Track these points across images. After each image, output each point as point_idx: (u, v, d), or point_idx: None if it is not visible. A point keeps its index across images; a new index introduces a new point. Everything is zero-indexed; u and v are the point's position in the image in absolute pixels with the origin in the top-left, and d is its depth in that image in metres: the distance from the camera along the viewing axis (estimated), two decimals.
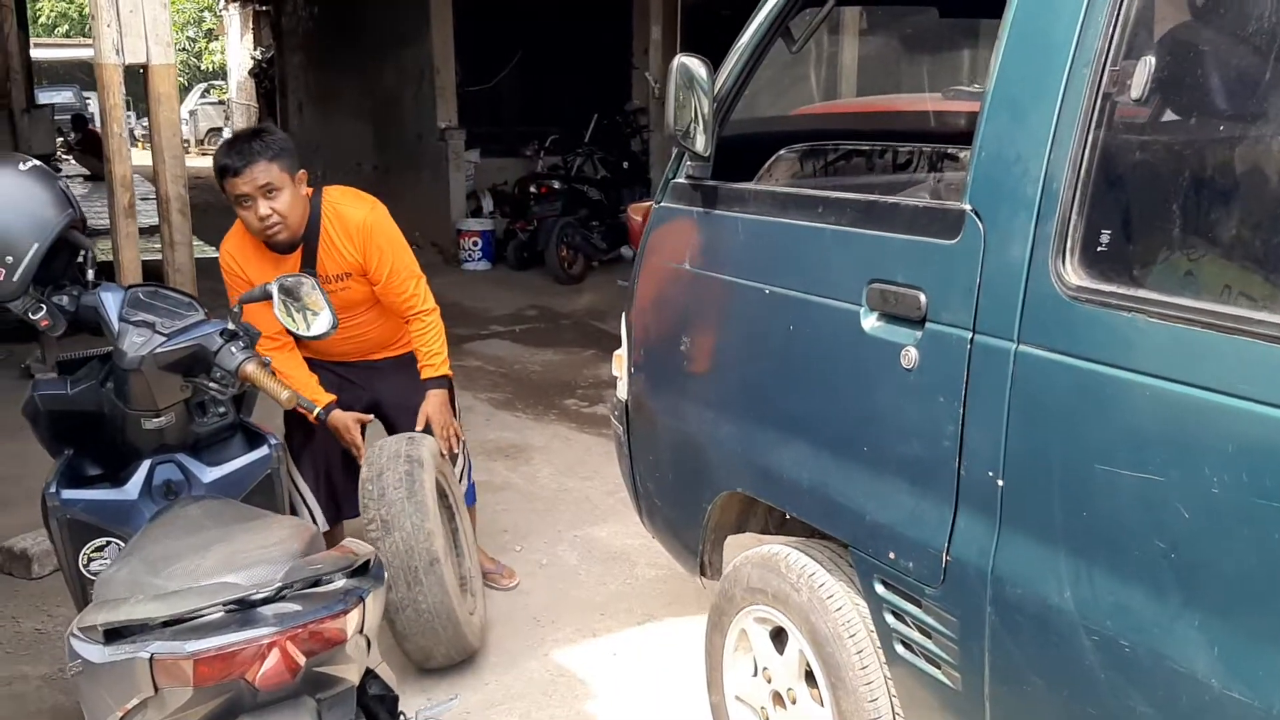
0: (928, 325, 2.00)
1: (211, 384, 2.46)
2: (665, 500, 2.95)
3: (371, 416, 3.51)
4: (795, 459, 2.37)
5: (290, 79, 19.03)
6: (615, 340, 8.13)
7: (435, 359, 3.43)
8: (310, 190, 3.25)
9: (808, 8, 2.61)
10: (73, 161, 19.68)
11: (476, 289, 9.66)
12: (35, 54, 18.29)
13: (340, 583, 1.73)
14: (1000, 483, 1.87)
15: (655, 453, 2.95)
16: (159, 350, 2.41)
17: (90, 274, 2.51)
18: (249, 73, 21.23)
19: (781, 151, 2.71)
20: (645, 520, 3.14)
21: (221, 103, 26.55)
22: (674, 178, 2.82)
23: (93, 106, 23.94)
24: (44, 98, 17.28)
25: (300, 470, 3.55)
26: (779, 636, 2.57)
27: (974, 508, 1.94)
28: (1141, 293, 1.65)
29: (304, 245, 3.23)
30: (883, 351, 2.09)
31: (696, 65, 2.54)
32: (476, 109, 12.07)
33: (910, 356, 2.03)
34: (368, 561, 1.81)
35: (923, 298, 2.00)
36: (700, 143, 2.59)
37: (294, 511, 3.56)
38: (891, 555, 2.12)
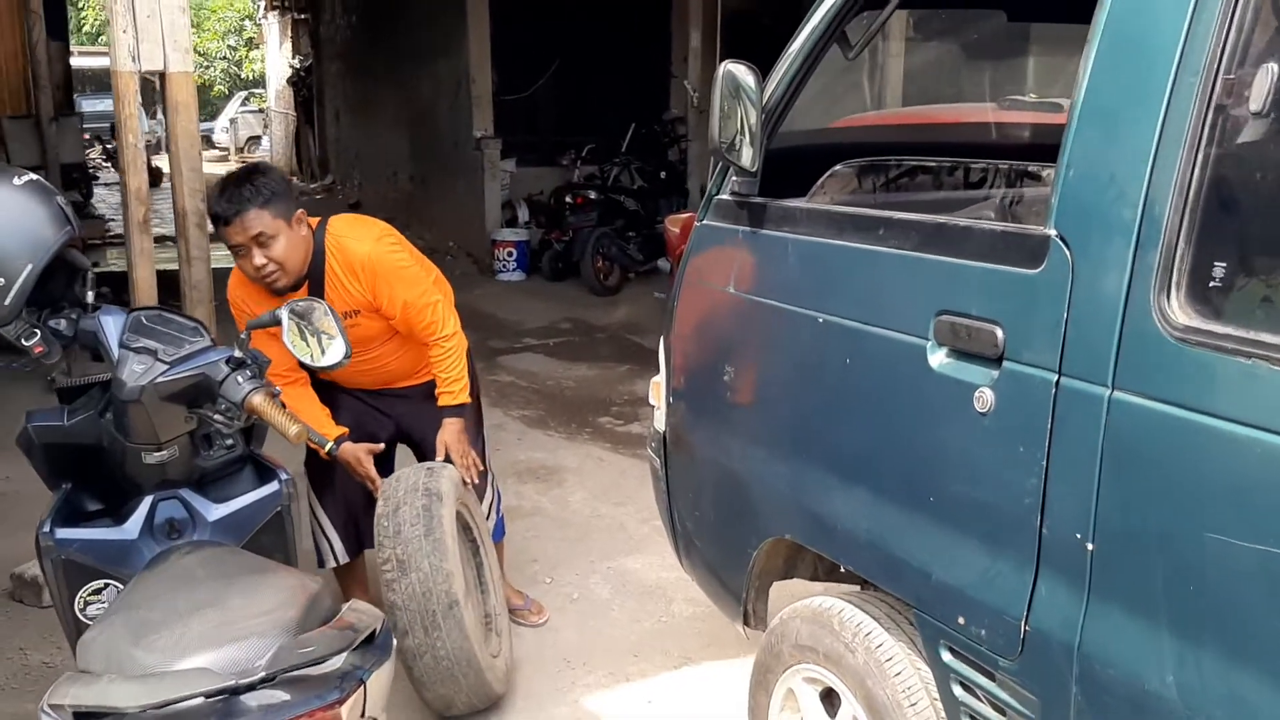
0: (1005, 364, 1.78)
1: (216, 416, 2.28)
2: (706, 541, 2.74)
3: (382, 446, 3.32)
4: (851, 506, 2.16)
5: (328, 87, 19.02)
6: (651, 355, 7.92)
7: (453, 386, 3.24)
8: (315, 222, 3.07)
9: (866, 10, 2.40)
10: (111, 169, 19.73)
11: (510, 300, 9.49)
12: (78, 62, 18.36)
13: (337, 663, 1.54)
14: (1090, 546, 1.64)
15: (695, 490, 2.74)
16: (160, 380, 2.23)
17: (90, 296, 2.33)
18: (287, 81, 21.23)
19: (837, 167, 2.50)
20: (683, 560, 2.93)
21: (261, 111, 26.62)
22: (717, 194, 2.61)
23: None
24: (86, 105, 17.29)
25: (320, 499, 3.37)
26: (830, 698, 2.35)
27: (1058, 572, 1.71)
28: (1262, 335, 1.43)
29: (309, 284, 3.03)
30: (953, 392, 1.87)
31: (744, 73, 2.33)
32: (513, 118, 11.92)
33: (985, 399, 1.81)
34: (373, 632, 1.61)
35: (1000, 333, 1.78)
36: (746, 157, 2.38)
37: (315, 544, 3.39)
38: (961, 620, 1.89)
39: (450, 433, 3.24)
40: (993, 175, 2.72)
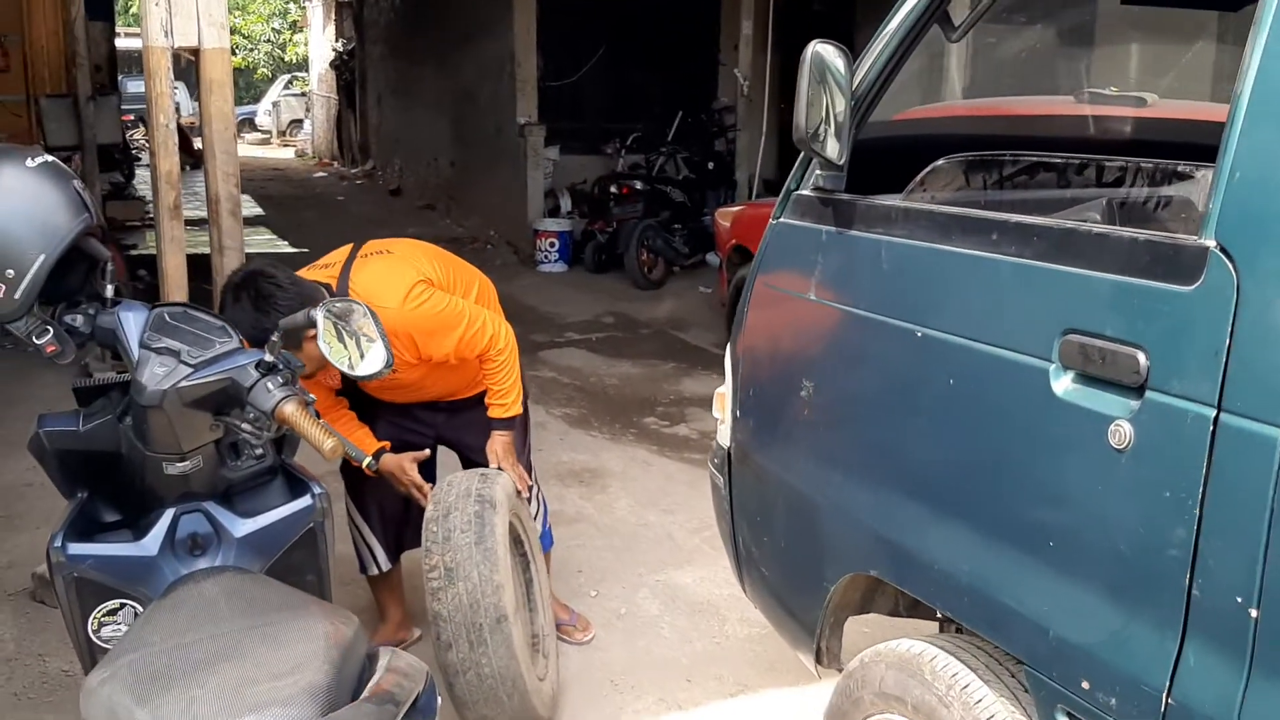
0: (1149, 395, 1.53)
1: (244, 425, 2.07)
2: (775, 570, 2.50)
3: (427, 452, 3.12)
4: (951, 545, 1.91)
5: (370, 71, 18.90)
6: (697, 353, 7.71)
7: (505, 398, 3.03)
8: (335, 271, 2.82)
9: None
10: None
11: (552, 292, 9.28)
12: (123, 44, 18.32)
13: None
14: (1254, 613, 1.40)
15: (764, 513, 2.51)
16: (183, 384, 2.03)
17: (109, 289, 2.13)
18: (329, 64, 21.14)
19: (939, 161, 2.25)
20: (745, 585, 2.70)
21: (303, 94, 26.57)
22: (797, 189, 2.37)
23: (179, 95, 24.10)
24: (131, 86, 17.24)
25: (359, 505, 3.18)
26: None
27: (1211, 640, 1.47)
28: None
29: None
30: (1081, 422, 1.63)
31: (833, 55, 2.10)
32: (556, 104, 11.71)
33: (1123, 433, 1.56)
34: (416, 697, 1.39)
35: (1142, 359, 1.53)
36: (832, 148, 2.15)
37: (356, 551, 3.20)
38: (1085, 685, 1.65)
39: (499, 445, 3.04)
40: (1146, 175, 2.43)
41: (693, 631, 3.56)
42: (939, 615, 2.37)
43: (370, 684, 1.43)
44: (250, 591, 1.74)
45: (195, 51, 3.03)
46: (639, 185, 9.94)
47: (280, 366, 2.09)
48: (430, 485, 3.03)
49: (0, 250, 1.92)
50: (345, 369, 2.13)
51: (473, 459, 3.18)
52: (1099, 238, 1.64)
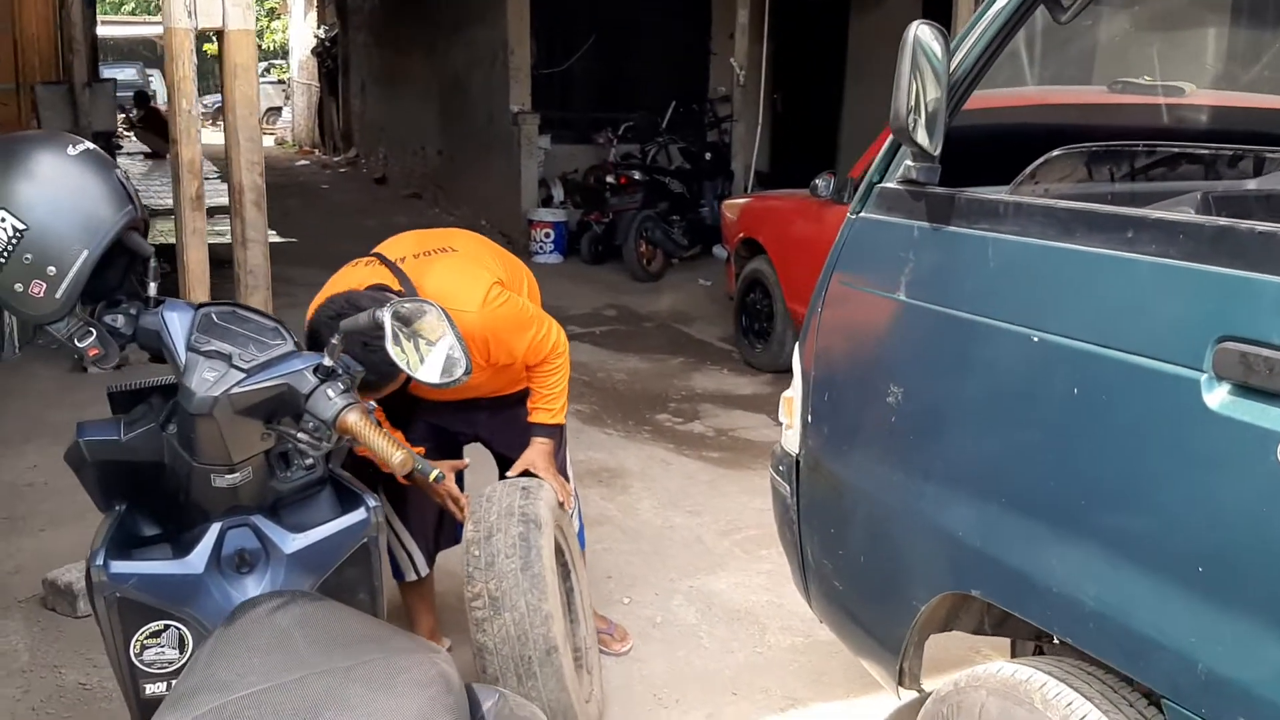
0: None
1: (301, 435, 1.91)
2: (851, 587, 2.36)
3: (467, 462, 2.98)
4: (1072, 567, 1.77)
5: (353, 58, 18.65)
6: (704, 347, 7.59)
7: (553, 403, 2.89)
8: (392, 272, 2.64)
9: None
10: (133, 139, 19.38)
11: (549, 284, 9.01)
12: (102, 31, 18.00)
13: None
14: None
15: (839, 526, 2.36)
16: (236, 391, 1.87)
17: (153, 288, 1.96)
18: (311, 51, 20.86)
19: (1055, 152, 2.10)
20: (813, 601, 2.55)
21: (281, 82, 26.23)
22: (880, 181, 2.23)
23: (155, 83, 23.69)
24: (108, 74, 16.94)
25: (399, 510, 3.02)
26: None
27: None
28: None
29: None
30: (1243, 439, 1.49)
31: (930, 38, 1.96)
32: (547, 92, 11.54)
33: None
34: None
35: None
36: (925, 137, 2.00)
37: (392, 556, 3.04)
38: None
39: (540, 454, 2.89)
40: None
41: (733, 641, 3.42)
42: (1036, 636, 2.25)
43: None
44: (325, 621, 1.58)
45: (219, 33, 2.85)
46: (637, 175, 9.78)
47: (340, 372, 1.93)
48: (465, 495, 2.87)
49: (41, 246, 1.75)
50: (418, 375, 1.97)
51: (509, 458, 3.03)
52: (1266, 236, 1.50)
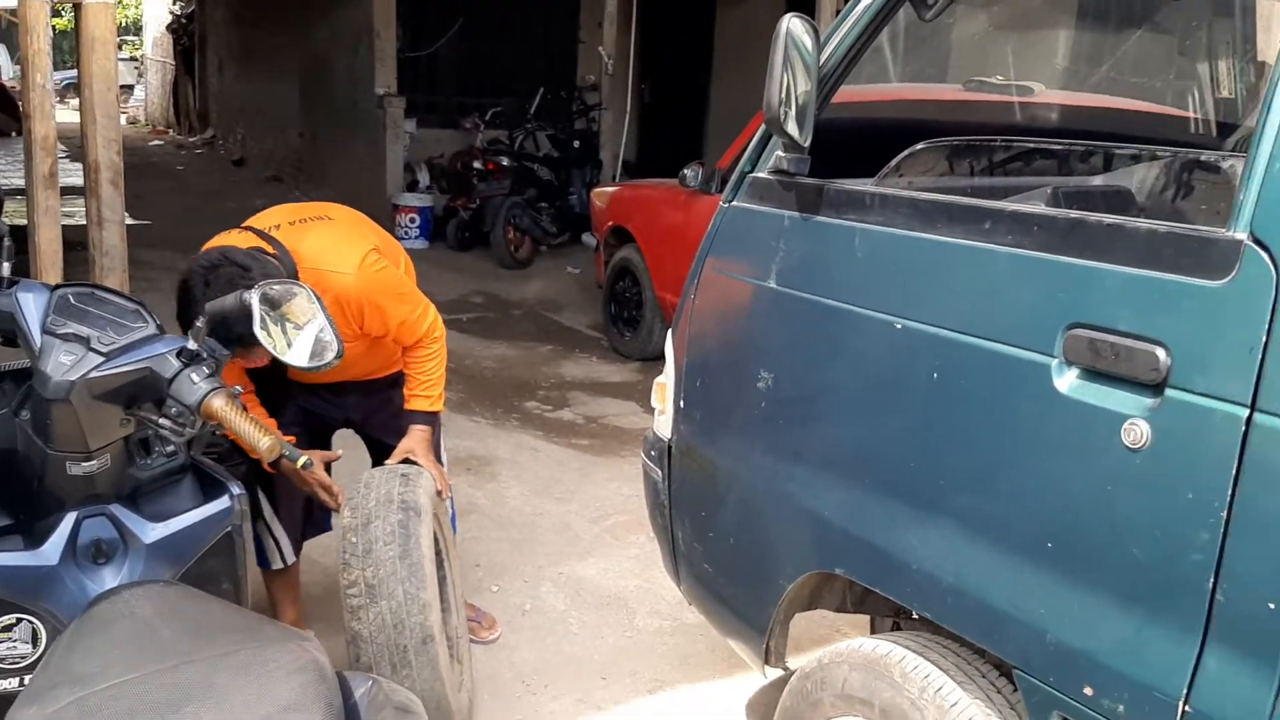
0: (1169, 393, 1.48)
1: (163, 421, 1.85)
2: (721, 569, 2.40)
3: (340, 454, 2.92)
4: (933, 545, 1.84)
5: (211, 36, 18.04)
6: (573, 334, 7.59)
7: (431, 390, 2.86)
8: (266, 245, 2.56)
9: None
10: None
11: (416, 270, 8.95)
12: None
13: None
14: None
15: (709, 510, 2.40)
16: (94, 375, 1.80)
17: (5, 268, 1.89)
18: (166, 28, 20.10)
19: (918, 146, 2.17)
20: (683, 585, 2.59)
21: (134, 59, 25.21)
22: (752, 171, 2.27)
23: (1, 58, 22.45)
24: None
25: (269, 495, 2.95)
26: None
27: (1236, 647, 1.43)
28: None
29: None
30: (1090, 421, 1.58)
31: (802, 31, 2.00)
32: (413, 76, 11.35)
33: (1138, 432, 1.51)
34: None
35: (1162, 355, 1.48)
36: (796, 128, 2.05)
37: (258, 542, 2.95)
38: (1088, 691, 1.60)
39: (419, 442, 2.84)
40: (1169, 167, 2.37)
41: (602, 627, 3.44)
42: (895, 614, 2.32)
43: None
44: (189, 611, 1.54)
45: (76, 5, 2.73)
46: (505, 162, 9.70)
47: (205, 355, 1.88)
48: (339, 486, 2.83)
49: None
50: (288, 359, 1.92)
51: (382, 443, 3.00)
52: (1112, 229, 1.59)
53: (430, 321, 2.83)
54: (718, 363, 2.36)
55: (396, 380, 2.91)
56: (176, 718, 1.18)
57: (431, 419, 2.87)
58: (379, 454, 3.05)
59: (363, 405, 3.01)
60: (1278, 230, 1.38)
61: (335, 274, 2.59)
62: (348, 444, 3.17)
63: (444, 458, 3.16)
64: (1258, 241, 1.39)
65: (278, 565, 3.00)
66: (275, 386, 2.90)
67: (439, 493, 2.79)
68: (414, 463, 2.78)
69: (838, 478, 2.04)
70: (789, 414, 2.15)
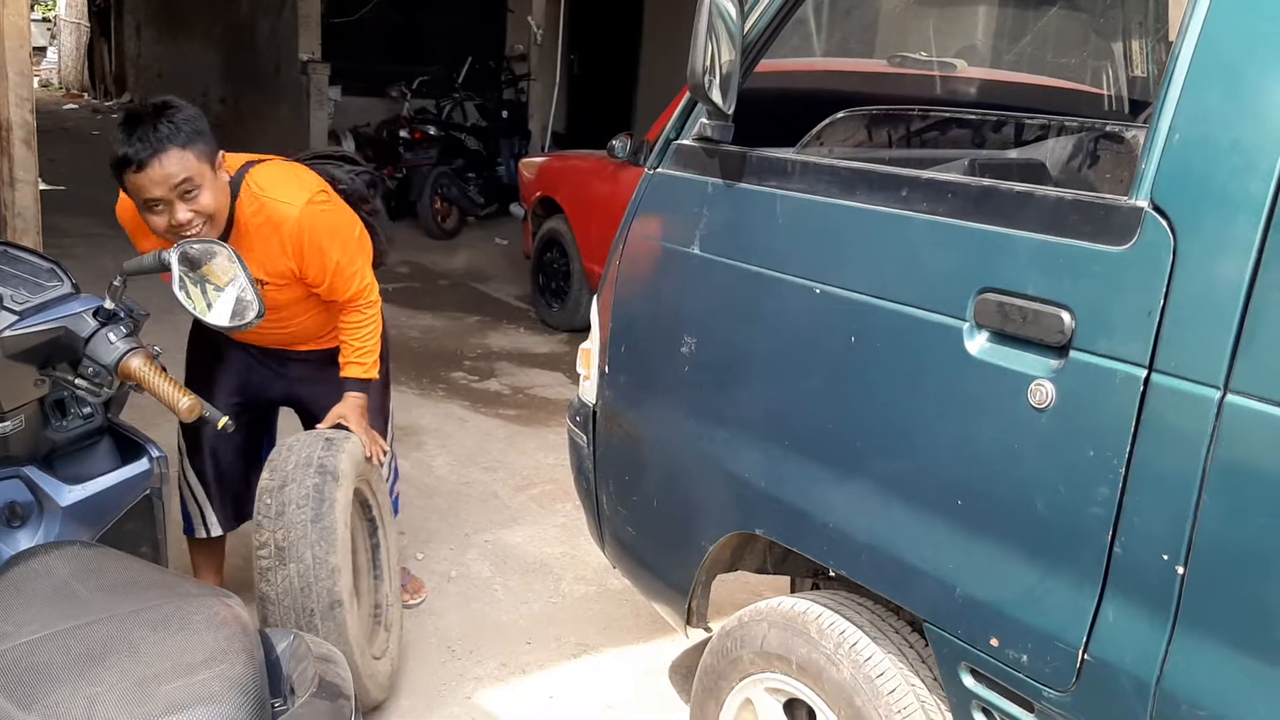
0: (1073, 354, 1.54)
1: (80, 381, 1.84)
2: (644, 532, 2.44)
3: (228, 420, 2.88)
4: (847, 504, 1.89)
5: None
6: (500, 305, 7.55)
7: (365, 357, 2.80)
8: (230, 166, 2.54)
9: None
10: None
11: None
12: None
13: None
14: (1180, 570, 1.43)
15: (633, 474, 2.43)
16: (7, 334, 1.78)
17: None
18: None
19: (839, 114, 2.21)
20: (606, 547, 2.62)
21: (46, 20, 24.44)
22: (677, 139, 2.29)
23: None
24: None
25: (194, 462, 2.92)
26: (793, 708, 2.11)
27: (1132, 597, 1.49)
28: None
29: None
30: (998, 382, 1.63)
31: (727, 1, 2.02)
32: (339, 42, 11.17)
33: (1044, 392, 1.56)
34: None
35: (1067, 318, 1.54)
36: (720, 96, 2.07)
37: (183, 509, 2.93)
38: (994, 642, 1.66)
39: (352, 408, 2.79)
40: (1085, 137, 2.42)
41: (528, 592, 3.46)
42: (814, 574, 2.38)
43: (298, 674, 1.27)
44: (107, 569, 1.53)
45: None
46: (432, 131, 9.60)
47: (122, 315, 1.86)
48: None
49: None
50: (205, 318, 1.91)
51: (319, 419, 2.97)
52: (1022, 196, 1.63)
53: (368, 283, 2.78)
54: (642, 328, 2.39)
55: (333, 356, 2.88)
56: (95, 671, 1.18)
57: (366, 386, 2.84)
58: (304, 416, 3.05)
59: (306, 381, 2.96)
60: (1177, 198, 1.43)
61: (282, 203, 2.57)
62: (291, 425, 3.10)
63: (390, 426, 3.14)
64: (1158, 209, 1.45)
65: (200, 534, 2.96)
66: (214, 357, 2.87)
67: (369, 459, 2.77)
68: (345, 428, 2.76)
69: (758, 440, 2.08)
70: (711, 378, 2.19)
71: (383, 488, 2.92)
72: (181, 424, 2.80)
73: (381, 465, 2.93)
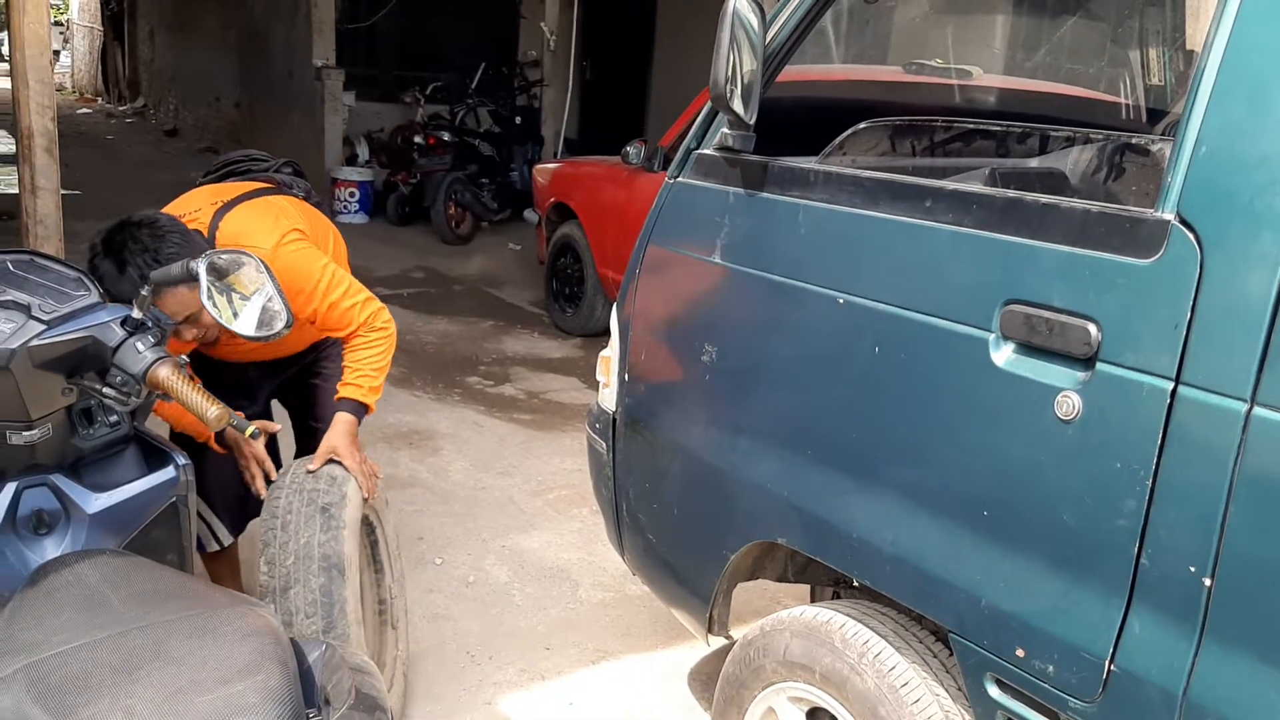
0: (1099, 367, 1.54)
1: (107, 390, 1.84)
2: (666, 540, 2.44)
3: (279, 426, 2.84)
4: (872, 514, 1.90)
5: (142, 1, 17.62)
6: (514, 310, 7.57)
7: (365, 380, 2.66)
8: (205, 220, 2.51)
9: None
10: None
11: (356, 245, 8.73)
12: None
13: None
14: (1207, 582, 1.43)
15: (654, 482, 2.44)
16: (36, 343, 1.78)
17: None
18: None
19: (861, 125, 2.21)
20: (628, 558, 2.63)
21: (60, 24, 24.56)
22: (698, 148, 2.29)
23: None
24: None
25: (198, 479, 2.85)
26: (815, 717, 2.11)
27: (1159, 609, 1.49)
28: None
29: None
30: (1024, 394, 1.63)
31: (748, 10, 2.03)
32: (352, 48, 11.23)
33: (1070, 404, 1.57)
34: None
35: (1094, 330, 1.54)
36: (741, 106, 2.08)
37: None
38: (1020, 652, 1.66)
39: (342, 435, 2.62)
40: (1105, 149, 2.41)
41: (545, 598, 3.47)
42: (837, 583, 2.38)
43: (333, 685, 1.28)
44: (137, 578, 1.54)
45: None
46: (446, 137, 9.63)
47: (149, 324, 1.87)
48: (274, 465, 2.76)
49: None
50: (238, 329, 1.91)
51: (309, 424, 2.96)
52: (1048, 208, 1.64)
53: (370, 312, 2.65)
54: (662, 336, 2.39)
55: (319, 352, 2.89)
56: (131, 681, 1.19)
57: (361, 410, 2.69)
58: (304, 437, 3.03)
59: (293, 382, 2.95)
60: (1203, 211, 1.44)
61: (252, 248, 2.41)
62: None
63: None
64: (1184, 222, 1.45)
65: (213, 547, 2.95)
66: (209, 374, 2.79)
67: (366, 498, 2.65)
68: (338, 461, 2.60)
69: (780, 449, 2.08)
70: (732, 386, 2.19)
71: (376, 491, 2.78)
72: (177, 438, 2.74)
73: (374, 498, 2.77)
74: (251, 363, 2.90)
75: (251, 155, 3.06)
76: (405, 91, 10.64)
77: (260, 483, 2.71)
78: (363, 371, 2.68)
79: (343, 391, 2.68)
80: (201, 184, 2.86)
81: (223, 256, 1.91)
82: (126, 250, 2.26)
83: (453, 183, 9.22)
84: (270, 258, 2.36)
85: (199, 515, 2.86)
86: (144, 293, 1.87)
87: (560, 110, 10.55)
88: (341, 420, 2.65)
